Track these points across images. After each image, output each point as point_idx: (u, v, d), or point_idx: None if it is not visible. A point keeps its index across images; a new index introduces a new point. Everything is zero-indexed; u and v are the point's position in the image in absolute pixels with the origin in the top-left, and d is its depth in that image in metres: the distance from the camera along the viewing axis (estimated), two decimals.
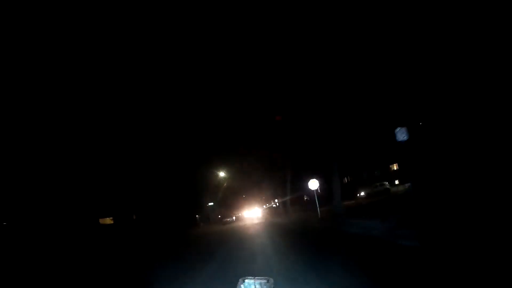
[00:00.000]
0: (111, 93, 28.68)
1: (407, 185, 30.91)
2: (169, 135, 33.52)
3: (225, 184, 39.04)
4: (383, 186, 30.92)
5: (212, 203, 36.90)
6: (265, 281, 2.03)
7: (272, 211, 49.36)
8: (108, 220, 34.41)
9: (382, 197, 27.31)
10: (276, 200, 50.11)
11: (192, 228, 32.49)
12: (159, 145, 33.55)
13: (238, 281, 2.09)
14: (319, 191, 17.84)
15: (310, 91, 19.44)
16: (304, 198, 50.44)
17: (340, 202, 16.04)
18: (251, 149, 37.30)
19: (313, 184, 17.20)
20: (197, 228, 32.83)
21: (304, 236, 12.02)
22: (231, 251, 10.42)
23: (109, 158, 32.06)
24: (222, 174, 37.34)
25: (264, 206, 70.15)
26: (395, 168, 40.90)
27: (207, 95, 33.11)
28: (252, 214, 45.78)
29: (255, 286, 2.00)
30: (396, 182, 38.56)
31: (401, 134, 8.39)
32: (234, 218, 38.88)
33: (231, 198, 46.21)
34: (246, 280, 2.06)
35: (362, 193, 30.56)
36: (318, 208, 17.22)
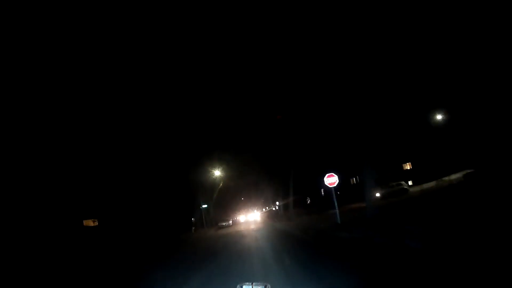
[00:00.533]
0: (96, 86, 25.25)
1: (433, 183, 26.49)
2: (162, 130, 29.29)
3: (221, 184, 34.43)
4: (400, 186, 26.79)
5: (206, 205, 32.19)
6: (263, 287, 1.92)
7: (272, 215, 44.97)
8: (91, 222, 29.92)
9: (400, 198, 23.43)
10: (277, 203, 45.74)
11: (185, 233, 27.78)
12: (150, 140, 29.26)
13: (235, 286, 1.97)
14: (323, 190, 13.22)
15: (320, 85, 18.35)
16: (306, 201, 46.09)
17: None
18: (250, 147, 33.25)
19: (331, 180, 12.60)
20: (189, 233, 28.14)
21: (335, 259, 7.32)
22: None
23: (95, 155, 27.89)
24: (218, 172, 32.77)
25: (264, 209, 65.70)
26: (408, 168, 36.77)
27: (202, 88, 29.49)
28: (251, 218, 41.12)
29: None
30: (410, 182, 34.27)
31: None
32: (230, 222, 34.20)
33: (228, 200, 41.57)
34: (244, 286, 1.95)
35: (377, 194, 26.17)
36: (337, 211, 12.60)
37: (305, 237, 11.55)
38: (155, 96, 29.16)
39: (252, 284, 1.94)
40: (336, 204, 12.58)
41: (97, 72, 24.96)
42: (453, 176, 25.27)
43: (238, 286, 1.95)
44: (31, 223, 22.34)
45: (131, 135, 28.78)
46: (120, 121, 28.42)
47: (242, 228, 25.51)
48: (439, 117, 32.15)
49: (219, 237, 19.48)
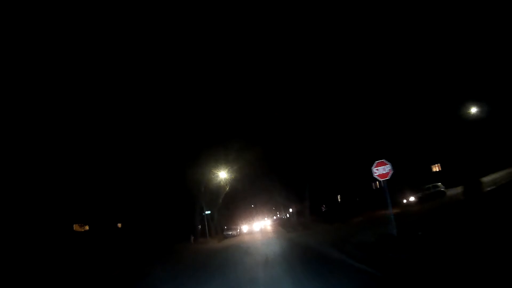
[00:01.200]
0: (84, 82, 22.04)
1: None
2: (158, 124, 25.33)
3: (227, 188, 29.84)
4: (437, 188, 21.97)
5: (209, 211, 27.67)
6: None
7: (284, 223, 40.13)
8: (78, 227, 25.90)
9: (438, 201, 19.16)
10: (290, 209, 40.95)
11: (182, 243, 23.23)
12: (144, 135, 25.28)
13: None
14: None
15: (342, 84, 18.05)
16: (321, 208, 41.05)
17: None
18: (259, 145, 29.09)
19: (383, 170, 7.76)
20: (187, 243, 23.54)
21: None
22: None
23: (90, 156, 24.09)
24: (223, 174, 28.13)
25: (274, 217, 60.75)
26: (437, 170, 31.73)
27: (205, 84, 26.06)
28: (260, 226, 36.30)
29: None
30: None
31: None
32: (238, 231, 29.62)
33: (235, 206, 36.95)
34: None
35: (412, 198, 21.48)
36: (392, 215, 7.87)
37: (343, 258, 6.93)
38: (150, 91, 25.52)
39: None
40: (390, 204, 7.86)
41: (88, 66, 21.80)
42: (493, 176, 20.24)
43: None
44: (19, 226, 19.01)
45: (124, 132, 24.89)
46: (113, 119, 24.65)
47: (248, 238, 20.88)
48: (471, 111, 26.93)
49: (217, 252, 14.89)
